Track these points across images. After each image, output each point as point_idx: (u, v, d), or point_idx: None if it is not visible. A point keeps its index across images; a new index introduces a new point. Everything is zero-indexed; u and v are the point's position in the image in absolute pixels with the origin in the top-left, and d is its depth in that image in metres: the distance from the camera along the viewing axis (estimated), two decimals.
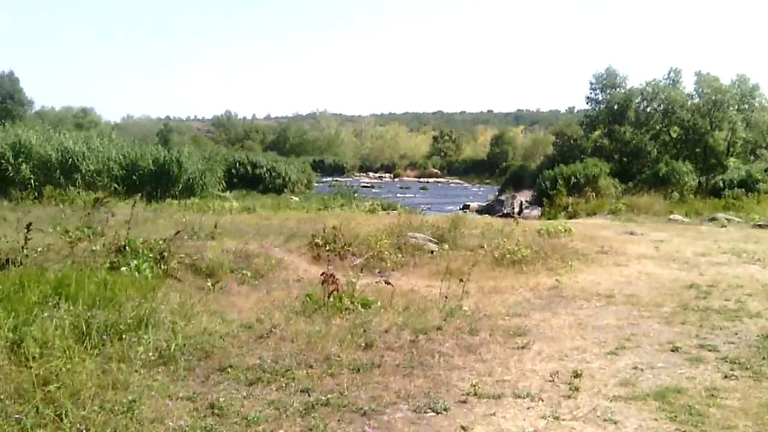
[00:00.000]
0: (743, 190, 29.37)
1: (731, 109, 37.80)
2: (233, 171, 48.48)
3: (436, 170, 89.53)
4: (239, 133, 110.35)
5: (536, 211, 31.85)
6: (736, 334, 7.07)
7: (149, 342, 5.74)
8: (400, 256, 12.28)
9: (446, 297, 8.25)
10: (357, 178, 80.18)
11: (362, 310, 7.44)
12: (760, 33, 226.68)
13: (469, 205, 40.13)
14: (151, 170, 30.08)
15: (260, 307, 7.97)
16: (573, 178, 31.13)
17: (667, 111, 39.56)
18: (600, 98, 39.92)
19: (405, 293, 9.44)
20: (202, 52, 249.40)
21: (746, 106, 39.30)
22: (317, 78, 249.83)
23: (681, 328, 7.37)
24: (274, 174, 50.33)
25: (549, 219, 24.95)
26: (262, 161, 51.71)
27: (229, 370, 5.47)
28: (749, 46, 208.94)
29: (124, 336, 5.83)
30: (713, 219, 21.38)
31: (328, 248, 12.48)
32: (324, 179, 70.06)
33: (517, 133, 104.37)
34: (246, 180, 48.85)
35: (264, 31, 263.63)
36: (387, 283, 7.78)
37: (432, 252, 13.11)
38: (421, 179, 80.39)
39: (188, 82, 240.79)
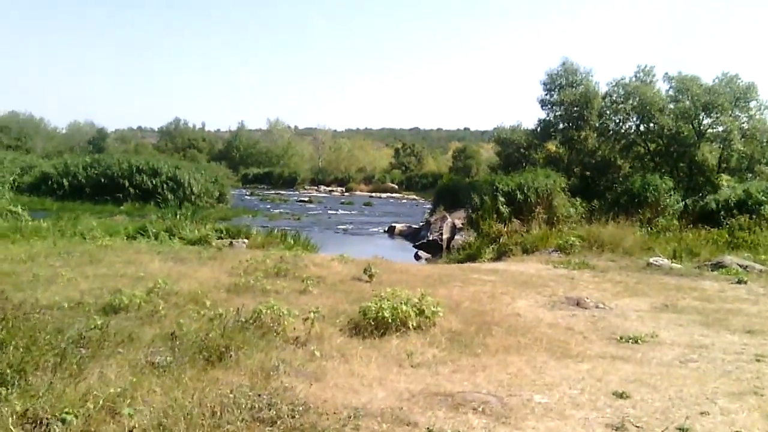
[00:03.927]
0: (747, 215, 21.05)
1: (725, 114, 29.49)
2: (125, 181, 40.08)
3: (393, 185, 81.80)
4: (185, 142, 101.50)
5: (471, 237, 23.15)
6: None
7: None
8: None
9: None
10: (306, 191, 72.42)
11: None
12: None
13: (395, 227, 31.82)
14: None
15: None
16: (518, 193, 22.49)
17: (642, 116, 31.16)
18: (555, 99, 31.36)
19: None
20: (165, 60, 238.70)
21: (739, 112, 30.97)
22: (286, 91, 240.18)
23: None
24: (172, 184, 41.47)
25: (463, 259, 16.40)
26: (162, 168, 42.64)
27: None
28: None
29: None
30: (719, 265, 12.95)
31: None
32: (267, 192, 63.28)
33: (487, 149, 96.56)
34: (143, 191, 40.25)
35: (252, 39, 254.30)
36: None
37: None
38: (374, 194, 72.29)
39: (142, 91, 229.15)
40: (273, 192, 64.19)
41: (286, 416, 3.70)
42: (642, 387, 5.10)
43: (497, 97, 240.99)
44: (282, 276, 10.16)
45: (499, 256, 16.43)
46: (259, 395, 3.93)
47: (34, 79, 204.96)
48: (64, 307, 7.26)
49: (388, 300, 7.03)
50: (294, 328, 6.30)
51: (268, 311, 6.43)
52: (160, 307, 7.16)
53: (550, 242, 16.32)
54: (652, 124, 31.06)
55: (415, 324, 6.74)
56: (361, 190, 78.20)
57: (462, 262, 16.56)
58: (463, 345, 6.41)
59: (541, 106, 32.42)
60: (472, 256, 17.43)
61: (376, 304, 6.90)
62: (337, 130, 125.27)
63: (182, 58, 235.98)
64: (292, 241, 18.82)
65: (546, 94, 32.02)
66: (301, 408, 3.90)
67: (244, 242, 17.39)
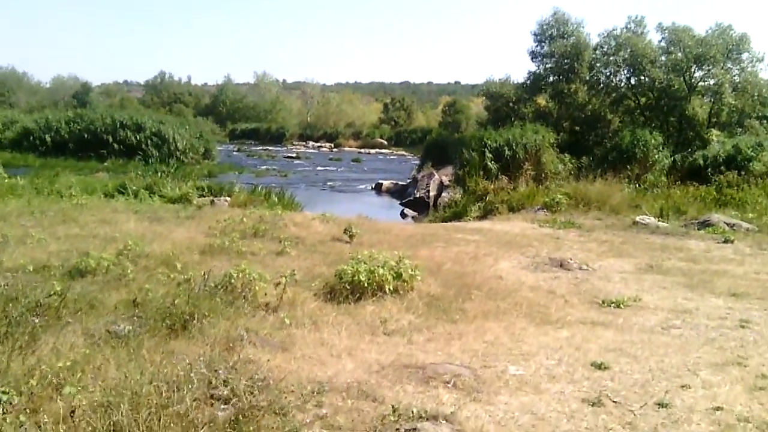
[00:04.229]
0: (735, 171, 20.85)
1: (717, 67, 28.90)
2: (108, 136, 39.38)
3: (382, 140, 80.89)
4: (171, 96, 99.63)
5: (457, 194, 22.89)
6: None
7: None
8: None
9: None
10: (294, 147, 71.69)
11: None
12: None
13: (382, 184, 31.59)
14: None
15: None
16: (506, 149, 22.11)
17: (633, 68, 30.55)
18: (546, 51, 30.61)
19: None
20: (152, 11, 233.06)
21: (731, 65, 30.37)
22: (273, 44, 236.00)
23: None
24: (157, 140, 40.78)
25: (449, 217, 16.21)
26: (147, 123, 41.84)
27: None
28: None
29: None
30: (706, 224, 12.79)
31: None
32: (254, 148, 62.56)
33: (477, 103, 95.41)
34: (127, 147, 39.55)
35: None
36: None
37: None
38: (363, 150, 71.66)
39: (125, 44, 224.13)
40: (260, 148, 63.55)
41: (243, 393, 3.48)
42: (622, 357, 4.92)
43: (489, 50, 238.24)
44: (260, 236, 9.89)
45: (485, 215, 16.23)
46: (216, 370, 3.70)
47: (18, 33, 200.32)
48: (29, 270, 6.99)
49: (365, 263, 6.80)
50: (265, 294, 6.07)
51: (240, 275, 6.19)
52: (129, 271, 6.91)
53: (537, 200, 16.11)
54: (643, 77, 30.47)
55: (392, 288, 6.52)
56: (350, 146, 77.43)
57: (447, 221, 16.38)
58: (440, 310, 6.21)
59: (531, 58, 31.68)
60: (458, 214, 17.23)
61: (353, 267, 6.67)
62: (327, 84, 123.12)
63: (168, 10, 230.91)
64: (276, 199, 18.53)
65: (537, 46, 31.21)
66: (260, 383, 3.68)
67: (226, 200, 17.08)
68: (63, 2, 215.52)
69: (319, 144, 78.72)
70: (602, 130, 30.23)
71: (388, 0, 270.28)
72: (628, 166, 21.64)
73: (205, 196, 17.09)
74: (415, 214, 22.37)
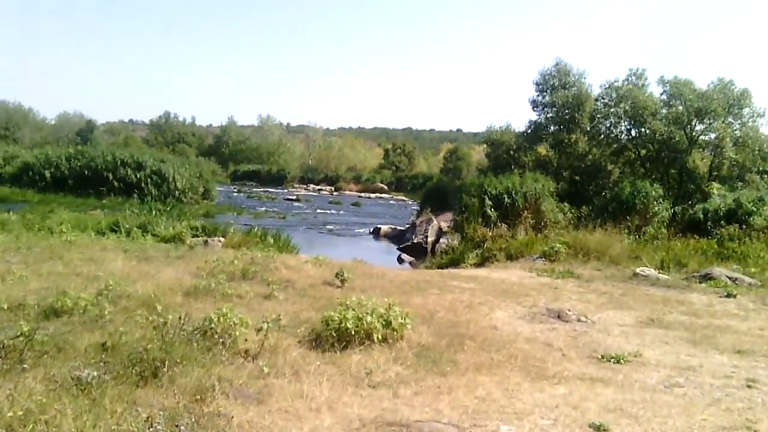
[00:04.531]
0: (736, 225, 20.61)
1: (718, 121, 28.96)
2: (109, 174, 39.39)
3: (382, 185, 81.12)
4: (174, 136, 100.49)
5: (455, 241, 22.64)
6: None
7: None
8: None
9: None
10: (294, 189, 71.95)
11: None
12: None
13: (380, 229, 31.32)
14: None
15: None
16: (506, 196, 21.96)
17: (634, 120, 30.63)
18: (547, 101, 30.78)
19: None
20: (155, 52, 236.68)
21: (732, 119, 30.45)
22: (278, 87, 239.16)
23: None
24: (156, 178, 40.78)
25: (445, 264, 15.92)
26: (147, 162, 41.89)
27: None
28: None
29: None
30: (708, 277, 12.50)
31: None
32: (255, 189, 62.85)
33: (479, 151, 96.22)
34: (127, 185, 39.48)
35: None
36: None
37: None
38: (363, 194, 71.84)
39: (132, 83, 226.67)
40: (261, 189, 64.04)
41: None
42: (622, 418, 4.58)
43: (491, 99, 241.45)
44: (249, 279, 9.60)
45: (482, 262, 15.94)
46: (178, 425, 3.38)
47: (25, 69, 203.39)
48: (4, 308, 6.70)
49: (353, 309, 6.50)
50: (246, 340, 5.75)
51: (220, 319, 5.88)
52: (106, 312, 6.60)
53: (535, 248, 15.83)
54: (643, 129, 30.52)
55: (380, 337, 6.20)
56: (350, 190, 77.74)
57: (444, 267, 16.09)
58: (430, 362, 5.87)
59: (533, 108, 31.79)
60: (455, 260, 16.95)
61: (340, 313, 6.37)
62: (330, 128, 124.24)
63: (175, 51, 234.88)
64: (271, 241, 18.24)
65: (538, 95, 31.34)
66: None
67: (220, 241, 16.81)
68: (72, 40, 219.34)
69: (319, 187, 79.13)
70: (602, 180, 30.13)
71: (393, 47, 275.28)
72: (627, 217, 21.44)
73: (199, 236, 16.82)
74: (413, 259, 22.08)
